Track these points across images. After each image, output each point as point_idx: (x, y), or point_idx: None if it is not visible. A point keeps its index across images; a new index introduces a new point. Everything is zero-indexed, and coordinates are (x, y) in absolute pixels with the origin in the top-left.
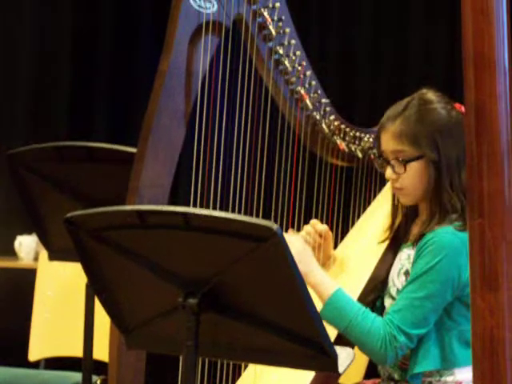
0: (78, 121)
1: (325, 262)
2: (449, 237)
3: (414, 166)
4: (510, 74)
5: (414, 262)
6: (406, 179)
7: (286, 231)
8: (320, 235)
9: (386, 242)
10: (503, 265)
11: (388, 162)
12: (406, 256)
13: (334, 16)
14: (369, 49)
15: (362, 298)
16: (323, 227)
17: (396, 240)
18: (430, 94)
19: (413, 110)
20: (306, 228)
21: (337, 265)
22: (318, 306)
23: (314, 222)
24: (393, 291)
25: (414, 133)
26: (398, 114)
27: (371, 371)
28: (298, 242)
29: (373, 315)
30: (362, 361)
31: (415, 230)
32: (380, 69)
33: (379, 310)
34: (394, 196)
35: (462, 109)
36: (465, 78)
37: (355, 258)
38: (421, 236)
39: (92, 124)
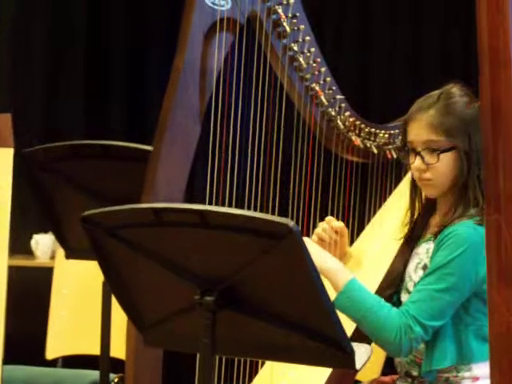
0: (94, 119)
1: (341, 258)
2: (470, 231)
3: (447, 157)
4: None
5: (434, 254)
6: (436, 170)
7: (303, 228)
8: (336, 232)
9: (403, 237)
10: None
11: (417, 153)
12: (424, 250)
13: (350, 13)
14: (384, 46)
15: (378, 294)
16: (339, 224)
17: (413, 235)
18: (456, 89)
19: (445, 102)
20: (322, 225)
21: (353, 261)
22: (332, 296)
23: (330, 218)
24: (410, 286)
25: (449, 124)
26: (431, 104)
27: (388, 368)
28: (306, 238)
29: (388, 306)
30: (380, 357)
31: (434, 223)
32: (395, 65)
33: (395, 305)
34: (412, 190)
35: None
36: (480, 75)
37: (371, 254)
38: (441, 229)
39: (107, 123)
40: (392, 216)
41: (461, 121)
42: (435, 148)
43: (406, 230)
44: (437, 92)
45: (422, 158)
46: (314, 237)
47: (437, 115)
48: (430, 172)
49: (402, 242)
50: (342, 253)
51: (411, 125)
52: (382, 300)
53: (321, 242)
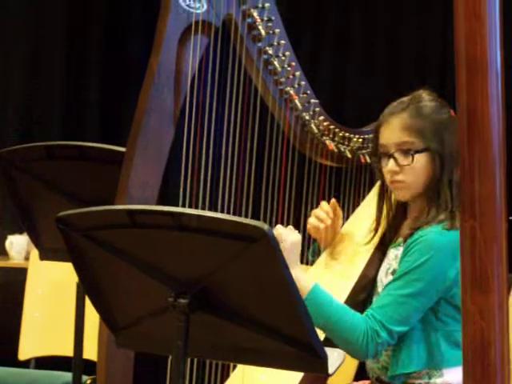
0: (70, 121)
1: (332, 240)
2: (437, 237)
3: (420, 158)
4: (503, 76)
5: (401, 259)
6: (410, 171)
7: None
8: (333, 212)
9: (376, 242)
10: (494, 267)
11: (390, 155)
12: (393, 256)
13: (326, 16)
14: (360, 50)
15: (351, 298)
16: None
17: (385, 240)
18: (426, 94)
19: (416, 105)
20: (320, 209)
21: (325, 266)
22: None
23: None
24: (381, 290)
25: (421, 125)
26: (404, 107)
27: (361, 373)
28: (294, 234)
29: (352, 311)
30: (352, 363)
31: (405, 229)
32: (370, 70)
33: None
34: (380, 196)
35: (453, 113)
36: (457, 81)
37: (344, 259)
38: (412, 232)
39: (84, 124)
40: (365, 221)
41: (432, 123)
42: (409, 149)
43: (371, 235)
44: (407, 97)
45: (395, 159)
46: (312, 218)
47: (409, 117)
48: (402, 174)
49: (374, 246)
50: (335, 234)
51: (383, 128)
52: (346, 306)
53: (318, 226)
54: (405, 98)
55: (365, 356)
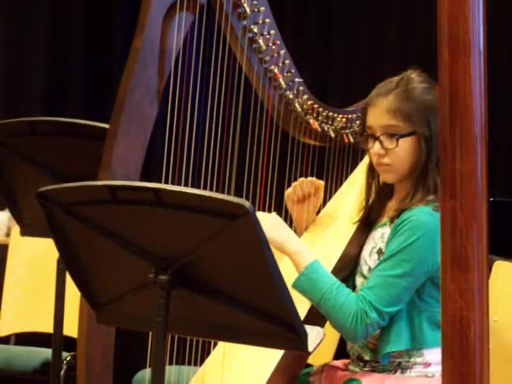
0: (53, 98)
1: (308, 224)
2: (426, 217)
3: (406, 142)
4: (485, 56)
5: (390, 239)
6: (395, 154)
7: (258, 210)
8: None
9: (358, 221)
10: (474, 246)
11: (376, 138)
12: (379, 235)
13: None
14: (343, 30)
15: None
16: (319, 182)
17: (369, 219)
18: (415, 75)
19: (405, 87)
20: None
21: (307, 244)
22: (292, 278)
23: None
24: (364, 270)
25: (408, 109)
26: (391, 90)
27: (341, 352)
28: (272, 216)
29: (347, 290)
30: (332, 341)
31: (391, 208)
32: (354, 50)
33: (350, 288)
34: (368, 174)
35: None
36: (439, 61)
37: (326, 237)
38: (399, 213)
39: (66, 101)
40: (348, 200)
41: (420, 106)
42: (394, 133)
43: (361, 214)
44: (396, 78)
45: (381, 142)
46: (291, 189)
47: (396, 100)
48: (388, 157)
49: (357, 226)
50: (312, 217)
51: (370, 110)
52: (342, 284)
53: (294, 198)
54: (394, 78)
55: (354, 337)
